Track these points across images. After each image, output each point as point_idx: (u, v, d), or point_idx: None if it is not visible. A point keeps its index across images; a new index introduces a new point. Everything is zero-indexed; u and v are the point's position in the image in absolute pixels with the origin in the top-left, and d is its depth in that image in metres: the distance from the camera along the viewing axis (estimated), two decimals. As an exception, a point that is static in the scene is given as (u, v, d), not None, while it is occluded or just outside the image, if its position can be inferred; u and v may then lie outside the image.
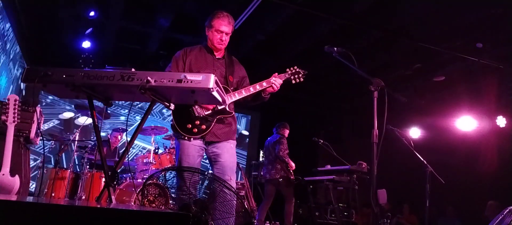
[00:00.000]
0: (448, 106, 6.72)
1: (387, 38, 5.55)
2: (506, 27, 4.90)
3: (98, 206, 1.43)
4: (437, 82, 6.50)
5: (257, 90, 2.70)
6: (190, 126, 2.59)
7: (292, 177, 5.40)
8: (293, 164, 5.42)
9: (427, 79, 6.56)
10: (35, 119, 3.25)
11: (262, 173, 5.72)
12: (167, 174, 2.55)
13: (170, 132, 5.30)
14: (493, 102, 6.26)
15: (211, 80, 1.94)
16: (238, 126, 8.51)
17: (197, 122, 2.60)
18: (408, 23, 5.17)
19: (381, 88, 2.59)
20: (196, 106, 2.60)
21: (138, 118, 7.04)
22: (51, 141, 4.83)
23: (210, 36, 2.77)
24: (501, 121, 6.21)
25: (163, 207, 3.06)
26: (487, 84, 6.15)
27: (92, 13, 5.11)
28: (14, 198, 1.67)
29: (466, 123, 6.47)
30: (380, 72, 6.13)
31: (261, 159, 7.44)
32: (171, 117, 2.64)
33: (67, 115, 7.28)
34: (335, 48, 2.77)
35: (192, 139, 2.59)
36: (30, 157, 3.65)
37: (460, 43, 5.34)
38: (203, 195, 2.45)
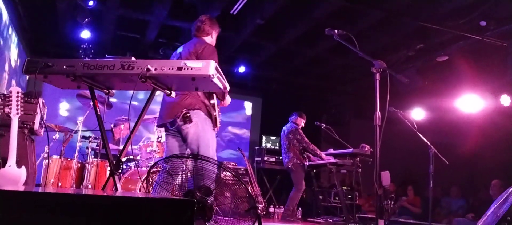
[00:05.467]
0: (452, 86, 6.66)
1: (389, 18, 5.47)
2: (510, 4, 4.82)
3: (105, 194, 1.45)
4: (440, 62, 6.43)
5: None
6: (216, 116, 2.68)
7: (306, 163, 5.45)
8: (321, 154, 5.46)
9: (430, 59, 6.49)
10: (38, 110, 3.27)
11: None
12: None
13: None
14: (497, 81, 6.19)
15: (211, 67, 1.92)
16: (242, 110, 8.53)
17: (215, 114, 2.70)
18: (409, 3, 5.09)
19: (383, 70, 2.58)
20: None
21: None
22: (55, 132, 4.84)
23: (213, 39, 2.97)
24: (505, 100, 6.13)
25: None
26: (491, 63, 6.08)
27: (90, 3, 5.06)
28: (22, 188, 1.70)
29: (469, 103, 6.41)
30: (382, 53, 6.08)
31: (263, 145, 7.48)
32: (217, 108, 2.69)
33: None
34: (336, 31, 2.75)
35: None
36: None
37: (463, 22, 5.27)
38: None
